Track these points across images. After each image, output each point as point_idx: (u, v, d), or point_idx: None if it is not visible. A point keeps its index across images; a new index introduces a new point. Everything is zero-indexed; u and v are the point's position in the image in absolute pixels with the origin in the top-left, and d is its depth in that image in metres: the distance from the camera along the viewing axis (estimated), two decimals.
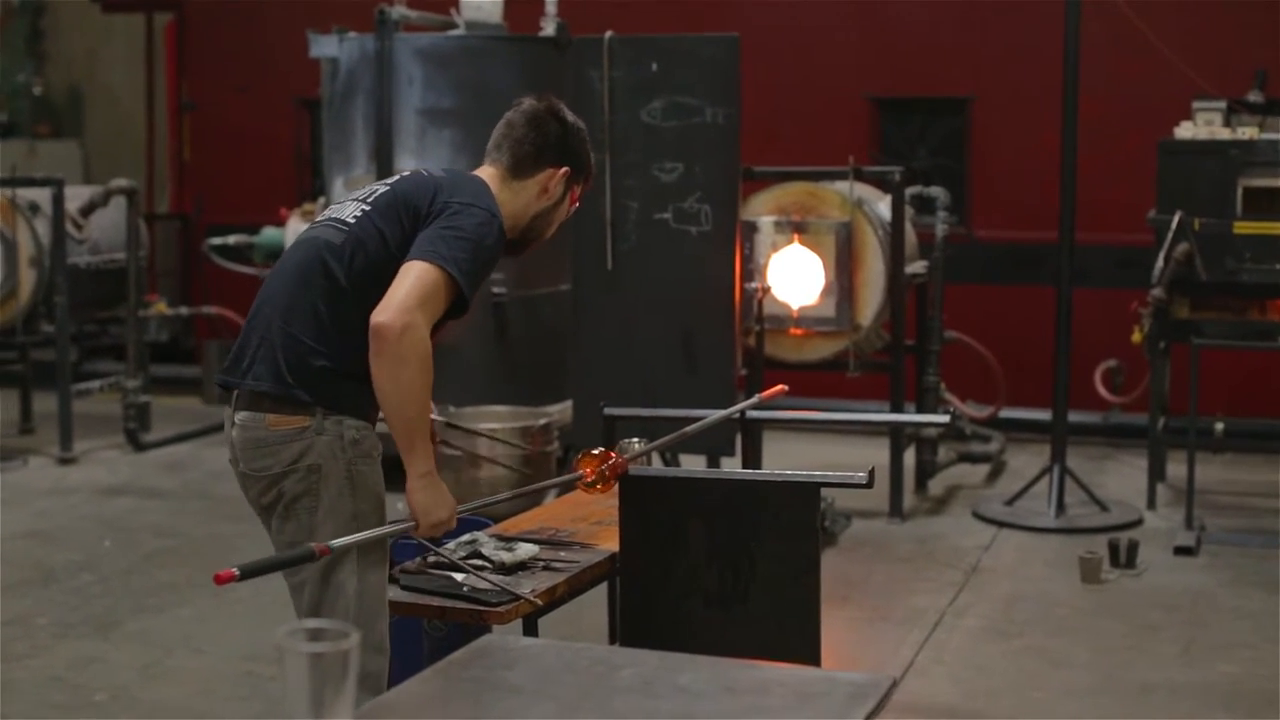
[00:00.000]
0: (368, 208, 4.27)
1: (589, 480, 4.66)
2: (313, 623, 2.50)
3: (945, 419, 6.97)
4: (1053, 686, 6.58)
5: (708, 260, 8.81)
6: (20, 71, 16.46)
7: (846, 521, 9.01)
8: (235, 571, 3.67)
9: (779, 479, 4.67)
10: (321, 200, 10.36)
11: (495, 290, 9.48)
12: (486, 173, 4.42)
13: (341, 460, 4.18)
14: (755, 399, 5.73)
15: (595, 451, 4.70)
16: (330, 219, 4.33)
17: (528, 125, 4.42)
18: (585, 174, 4.54)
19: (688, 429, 5.38)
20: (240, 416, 4.22)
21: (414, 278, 4.03)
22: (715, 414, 5.60)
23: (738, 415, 5.76)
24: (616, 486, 4.69)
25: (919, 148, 12.35)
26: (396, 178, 4.42)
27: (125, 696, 6.40)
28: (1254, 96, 10.08)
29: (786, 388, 5.72)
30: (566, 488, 5.05)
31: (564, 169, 4.44)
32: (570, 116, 4.50)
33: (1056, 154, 9.35)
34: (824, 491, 4.87)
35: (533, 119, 4.43)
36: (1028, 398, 10.94)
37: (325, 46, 9.90)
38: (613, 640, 4.96)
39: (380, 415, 4.25)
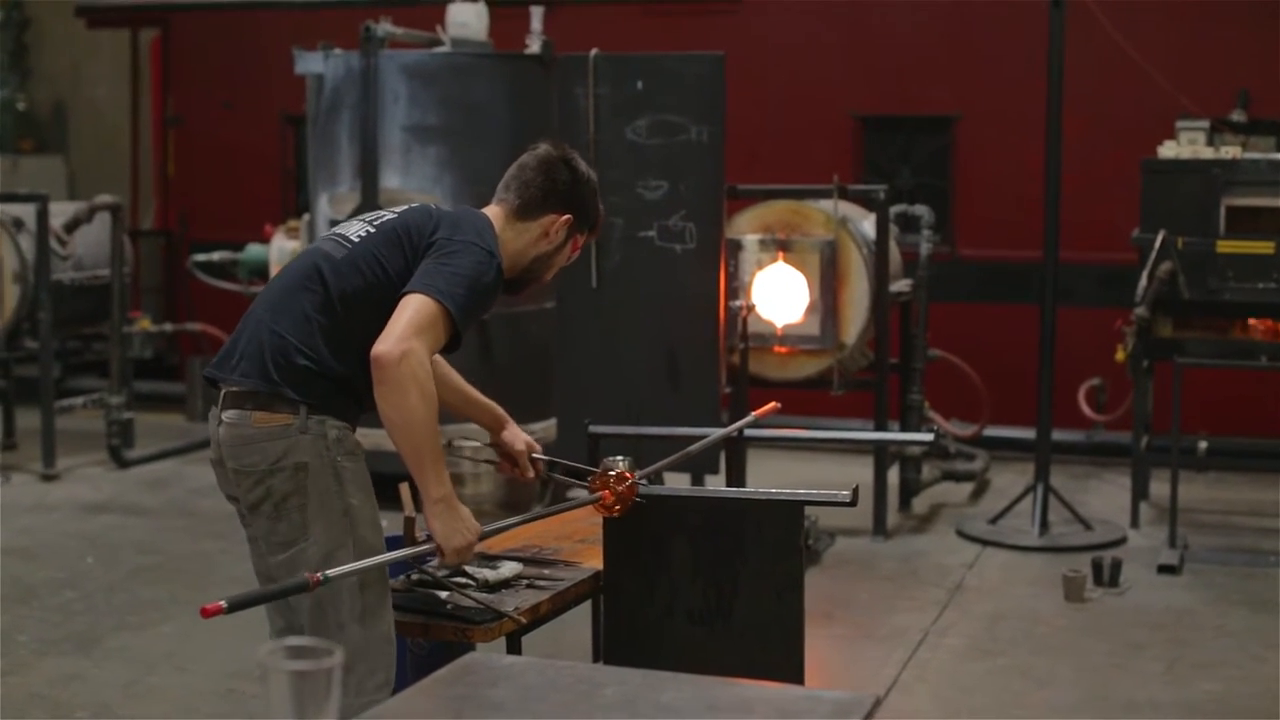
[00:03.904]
0: (372, 230, 4.36)
1: (607, 503, 4.58)
2: (295, 640, 2.49)
3: (929, 437, 6.97)
4: (1036, 705, 6.58)
5: (692, 278, 8.82)
6: (4, 86, 16.44)
7: (830, 540, 9.01)
8: (223, 604, 3.63)
9: (763, 497, 4.66)
10: (306, 217, 10.35)
11: None
12: (492, 211, 4.49)
13: (327, 458, 4.21)
14: (750, 417, 5.68)
15: (612, 473, 4.62)
16: (335, 234, 4.44)
17: (538, 169, 4.50)
18: (590, 224, 4.61)
19: (691, 448, 5.36)
20: (228, 414, 4.25)
21: (412, 310, 4.09)
22: (715, 432, 5.59)
23: (735, 434, 5.74)
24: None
25: (903, 166, 12.38)
26: (405, 207, 4.49)
27: (107, 714, 6.37)
28: (1237, 116, 10.13)
29: (779, 405, 5.71)
30: (555, 503, 5.03)
31: (566, 216, 4.50)
32: (582, 167, 4.57)
33: (1041, 173, 9.38)
34: (808, 510, 4.87)
35: (544, 164, 4.51)
36: (1011, 416, 10.96)
37: (311, 63, 9.89)
38: (596, 658, 4.96)
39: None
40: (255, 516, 4.28)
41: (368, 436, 4.39)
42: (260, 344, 4.24)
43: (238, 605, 3.72)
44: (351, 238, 4.35)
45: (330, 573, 3.95)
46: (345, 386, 4.25)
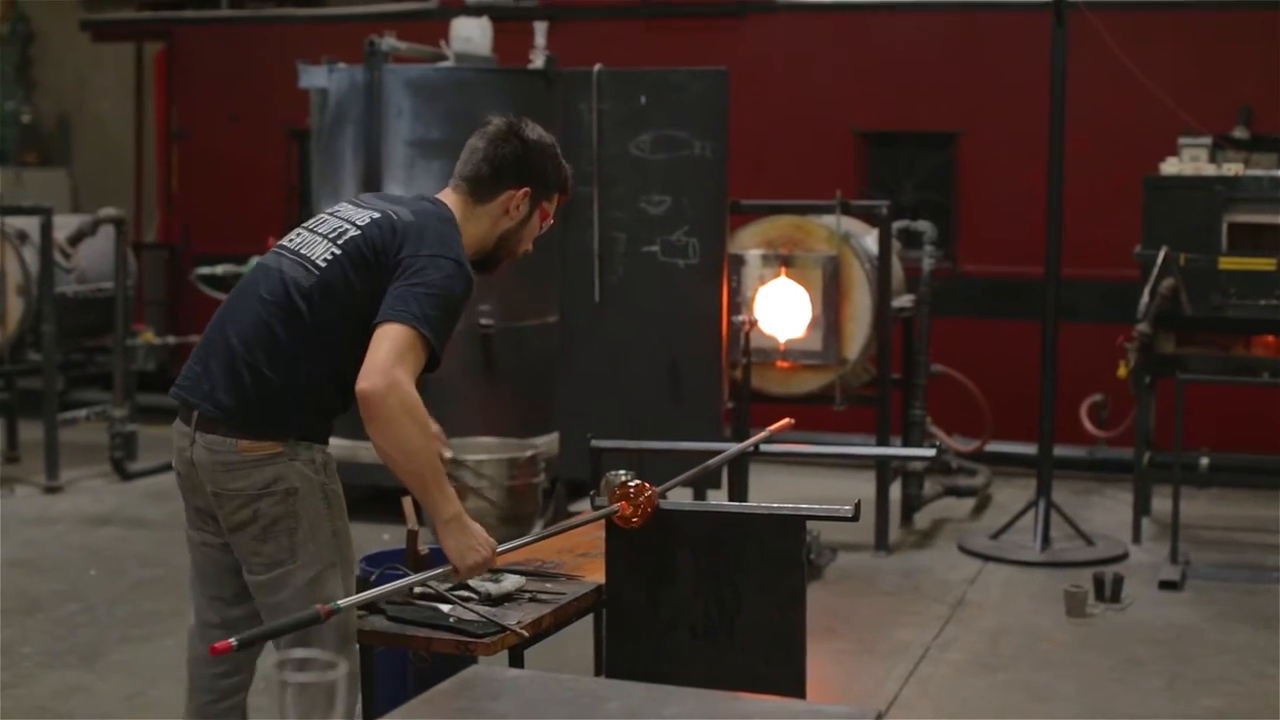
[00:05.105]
0: (339, 251, 4.25)
1: (625, 514, 4.56)
2: (300, 652, 2.51)
3: (931, 453, 6.96)
4: None
5: (695, 293, 8.84)
6: (9, 99, 16.47)
7: (832, 555, 9.02)
8: (232, 643, 3.65)
9: (765, 512, 4.67)
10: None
11: (483, 322, 9.49)
12: (450, 198, 4.43)
13: (316, 481, 4.25)
14: (766, 432, 5.67)
15: (632, 485, 4.60)
16: (299, 256, 4.31)
17: (486, 147, 4.42)
18: (554, 190, 4.51)
19: (709, 462, 5.35)
20: (207, 439, 4.23)
21: (389, 340, 4.05)
22: (731, 447, 5.59)
23: (752, 449, 5.74)
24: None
25: (906, 182, 12.39)
26: (367, 220, 4.31)
27: None
28: (1239, 133, 10.16)
29: (793, 421, 5.70)
30: (557, 519, 5.03)
31: (524, 189, 4.42)
32: (533, 134, 4.46)
33: (1043, 189, 9.39)
34: (810, 524, 4.87)
35: (491, 140, 4.42)
36: (1013, 432, 10.96)
37: (315, 77, 9.92)
38: (598, 672, 4.96)
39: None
40: (238, 536, 4.26)
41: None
42: (240, 378, 4.21)
43: (246, 642, 3.74)
44: (318, 262, 4.26)
45: (341, 603, 3.97)
46: (324, 411, 4.30)
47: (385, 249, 4.21)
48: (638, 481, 4.59)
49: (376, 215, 4.33)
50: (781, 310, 9.45)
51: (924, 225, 10.28)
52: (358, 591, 4.33)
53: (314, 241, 4.33)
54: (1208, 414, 10.38)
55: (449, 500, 4.18)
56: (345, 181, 9.81)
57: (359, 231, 4.28)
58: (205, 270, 11.84)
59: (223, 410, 4.20)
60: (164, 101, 14.82)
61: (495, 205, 4.41)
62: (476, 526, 4.27)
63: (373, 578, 4.79)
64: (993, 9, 12.00)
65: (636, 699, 3.15)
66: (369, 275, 4.20)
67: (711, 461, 5.37)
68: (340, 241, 4.28)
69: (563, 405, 9.26)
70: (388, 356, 4.02)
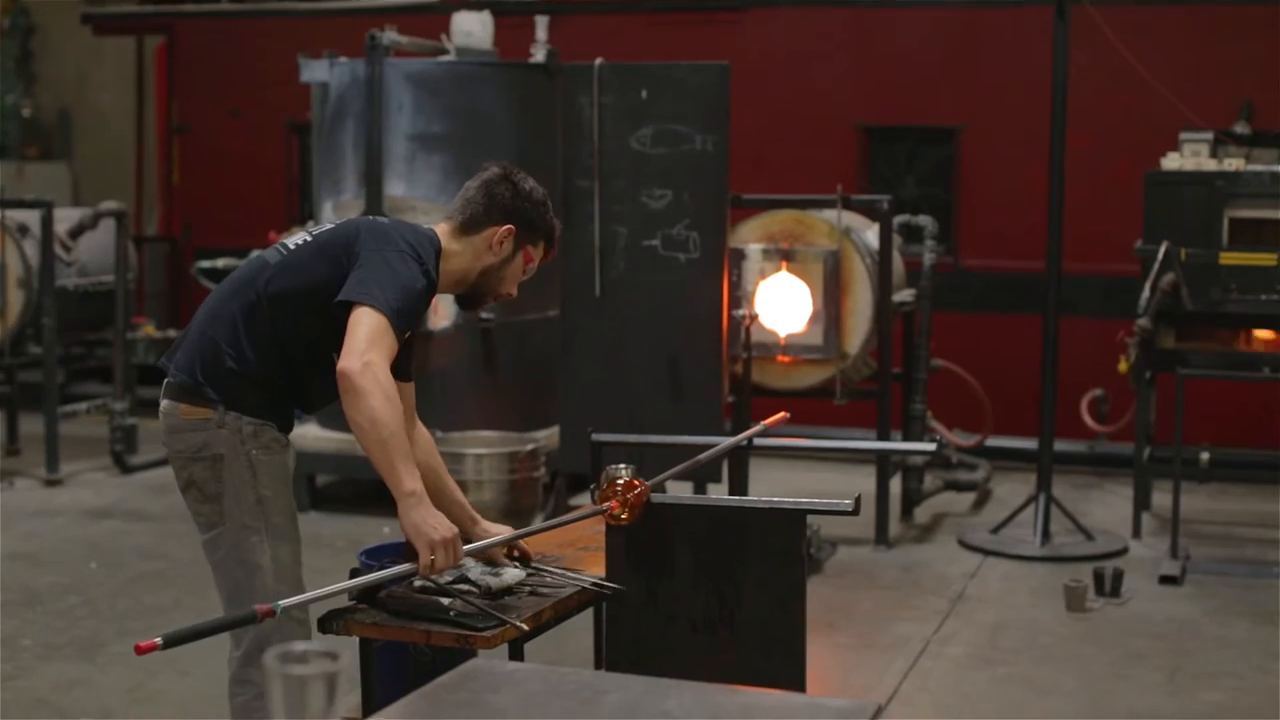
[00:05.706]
0: (309, 238, 4.65)
1: (615, 512, 4.59)
2: (300, 645, 2.51)
3: (931, 447, 6.94)
4: (1037, 714, 6.58)
5: (696, 287, 8.83)
6: (9, 93, 16.47)
7: (832, 549, 9.02)
8: (158, 641, 3.76)
9: (765, 506, 4.67)
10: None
11: (484, 316, 9.48)
12: (441, 228, 4.70)
13: (241, 450, 4.55)
14: (760, 426, 5.69)
15: (620, 482, 4.62)
16: (279, 243, 4.72)
17: (480, 187, 4.70)
18: (539, 236, 4.72)
19: (701, 456, 5.37)
20: (163, 404, 4.65)
21: (365, 325, 4.29)
22: (723, 441, 5.60)
23: (745, 442, 5.74)
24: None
25: (907, 177, 12.38)
26: (344, 219, 4.80)
27: (110, 718, 6.39)
28: (1240, 128, 10.15)
29: (789, 415, 5.72)
30: (557, 513, 5.03)
31: (508, 226, 4.64)
32: (526, 184, 4.72)
33: (1044, 184, 9.38)
34: (810, 519, 4.87)
35: (486, 182, 4.71)
36: (1014, 426, 10.97)
37: (316, 71, 9.92)
38: (598, 665, 4.96)
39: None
40: (187, 498, 4.64)
41: None
42: (197, 348, 4.59)
43: (173, 641, 3.79)
44: (290, 245, 4.64)
45: (283, 603, 4.11)
46: (266, 386, 4.56)
47: (348, 240, 4.52)
48: (625, 479, 4.62)
49: (356, 218, 4.83)
50: (782, 305, 9.45)
51: (925, 220, 10.27)
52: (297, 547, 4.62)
53: (297, 234, 4.74)
54: (1208, 409, 10.38)
55: (411, 475, 4.30)
56: (346, 175, 9.81)
57: (333, 225, 4.72)
58: (206, 264, 11.85)
59: (181, 374, 4.59)
60: (165, 95, 14.81)
61: (480, 239, 4.67)
62: (440, 514, 4.35)
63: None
64: (994, 4, 11.99)
65: (636, 692, 3.15)
66: (328, 264, 4.49)
67: (702, 455, 5.38)
68: (315, 232, 4.70)
69: (563, 399, 9.25)
70: (363, 339, 4.27)
